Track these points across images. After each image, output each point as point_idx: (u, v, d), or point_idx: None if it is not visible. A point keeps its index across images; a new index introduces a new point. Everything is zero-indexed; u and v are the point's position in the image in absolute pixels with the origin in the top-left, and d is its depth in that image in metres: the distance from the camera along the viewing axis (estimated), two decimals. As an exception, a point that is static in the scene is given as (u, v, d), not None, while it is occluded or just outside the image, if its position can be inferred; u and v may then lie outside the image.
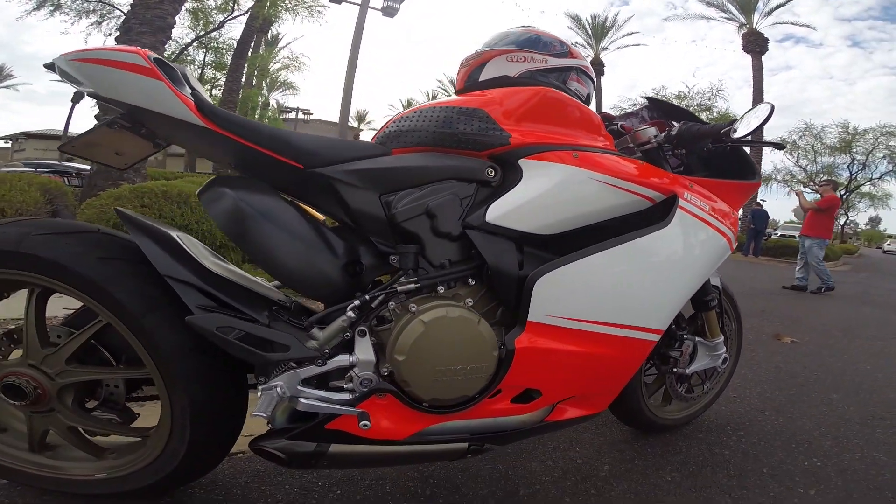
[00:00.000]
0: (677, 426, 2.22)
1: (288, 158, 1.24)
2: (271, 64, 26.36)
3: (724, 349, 2.06)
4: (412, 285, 1.26)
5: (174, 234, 1.26)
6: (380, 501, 1.59)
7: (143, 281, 1.22)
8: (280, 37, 28.14)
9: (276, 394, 1.20)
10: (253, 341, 1.19)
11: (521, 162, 1.30)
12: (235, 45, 19.40)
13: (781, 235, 23.76)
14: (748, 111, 1.57)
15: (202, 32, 19.53)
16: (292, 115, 35.86)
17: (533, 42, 1.68)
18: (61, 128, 36.60)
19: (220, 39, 21.71)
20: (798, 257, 8.82)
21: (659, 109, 1.88)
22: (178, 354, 1.24)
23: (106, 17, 17.68)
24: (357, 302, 1.24)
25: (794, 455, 2.12)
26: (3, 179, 4.37)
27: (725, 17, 24.09)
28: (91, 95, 1.22)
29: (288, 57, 28.12)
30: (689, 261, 1.49)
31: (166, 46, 7.67)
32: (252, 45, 20.11)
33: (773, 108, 1.48)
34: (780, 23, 23.82)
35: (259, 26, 18.87)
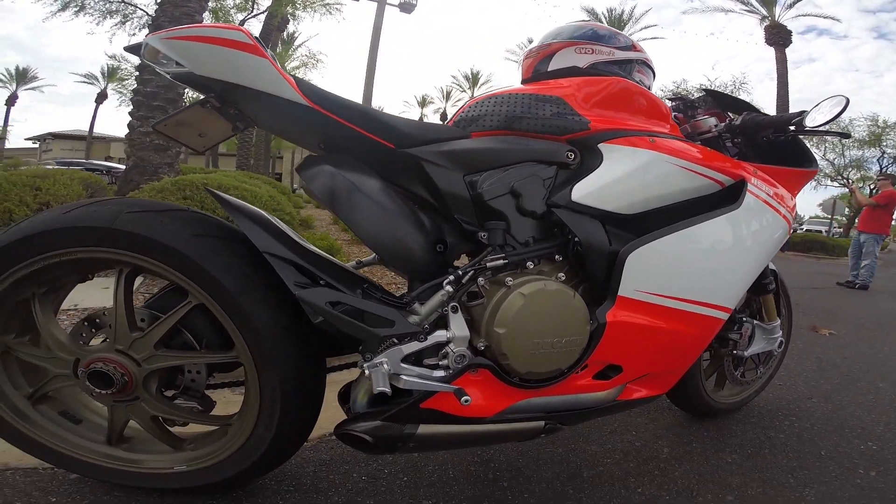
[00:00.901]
0: (730, 411, 2.24)
1: (381, 138, 1.28)
2: (288, 62, 26.47)
3: (781, 333, 2.07)
4: (501, 261, 1.29)
5: (265, 214, 1.30)
6: (445, 486, 1.61)
7: (238, 259, 1.22)
8: (296, 35, 28.12)
9: (384, 370, 1.20)
10: (359, 316, 1.20)
11: (601, 146, 1.36)
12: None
13: (807, 230, 23.40)
14: (820, 102, 1.59)
15: None
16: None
17: (598, 35, 1.71)
18: (86, 128, 37.06)
19: None
20: (850, 253, 8.61)
21: (717, 101, 1.92)
22: (272, 335, 1.24)
23: (129, 18, 17.89)
24: (451, 277, 1.28)
25: (848, 439, 2.12)
26: (47, 174, 4.47)
27: (746, 10, 23.66)
28: (181, 78, 1.23)
29: (305, 55, 28.24)
30: (757, 242, 1.53)
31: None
32: (269, 43, 20.26)
33: (848, 101, 1.50)
34: (802, 15, 23.42)
35: (277, 25, 18.96)
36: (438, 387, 1.25)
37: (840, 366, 3.28)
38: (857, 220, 8.56)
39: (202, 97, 1.29)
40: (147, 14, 16.49)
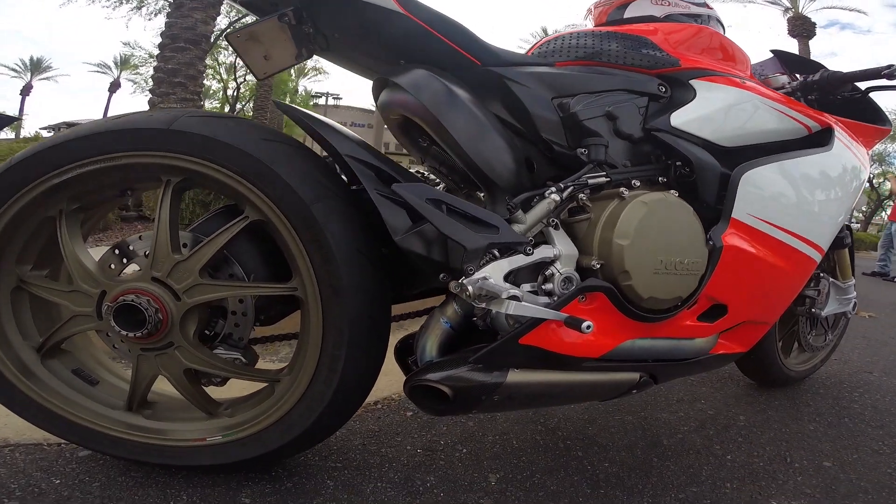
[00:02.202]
0: (796, 381, 2.11)
1: (469, 53, 1.23)
2: None
3: (854, 293, 1.95)
4: (602, 179, 1.22)
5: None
6: (511, 457, 1.44)
7: (311, 165, 1.09)
8: None
9: (488, 285, 1.02)
10: (461, 218, 1.07)
11: (693, 82, 1.38)
12: None
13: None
14: None
15: (236, 18, 19.73)
16: (322, 100, 35.38)
17: None
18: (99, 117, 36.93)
19: None
20: (880, 244, 8.51)
21: (782, 60, 1.92)
22: (345, 256, 1.06)
23: (144, 3, 17.89)
24: (553, 188, 1.19)
25: (927, 409, 1.98)
26: None
27: (768, 1, 23.73)
28: None
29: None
30: (844, 187, 1.54)
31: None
32: None
33: None
34: (827, 7, 23.56)
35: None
36: (549, 314, 1.05)
37: (889, 343, 3.17)
38: (889, 211, 8.57)
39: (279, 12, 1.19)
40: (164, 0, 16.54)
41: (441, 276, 1.07)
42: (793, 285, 1.49)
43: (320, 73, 32.64)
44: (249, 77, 23.99)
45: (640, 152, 1.34)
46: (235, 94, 25.88)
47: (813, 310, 1.83)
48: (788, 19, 22.84)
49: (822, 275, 1.85)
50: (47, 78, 45.27)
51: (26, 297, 1.22)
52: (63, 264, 1.24)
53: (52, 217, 1.15)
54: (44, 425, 1.21)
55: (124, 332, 1.09)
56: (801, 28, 22.30)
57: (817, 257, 1.46)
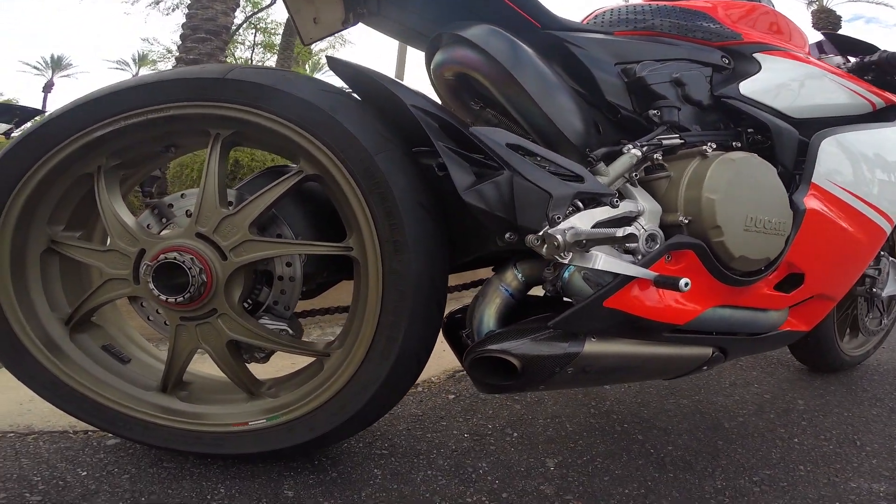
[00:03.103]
0: (851, 366, 2.04)
1: (528, 14, 1.22)
2: (315, 44, 26.42)
3: None
4: (677, 140, 1.20)
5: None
6: (567, 441, 1.36)
7: (370, 116, 1.04)
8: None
9: (591, 233, 0.95)
10: (543, 165, 1.02)
11: (757, 55, 1.38)
12: (284, 24, 19.55)
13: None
14: None
15: (252, 12, 19.86)
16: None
17: None
18: None
19: (268, 20, 22.11)
20: None
21: (834, 42, 1.91)
22: (408, 209, 0.99)
23: None
24: (630, 144, 1.16)
25: None
26: None
27: None
28: None
29: (334, 35, 28.14)
30: None
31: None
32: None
33: None
34: (852, 0, 23.30)
35: None
36: (641, 272, 0.98)
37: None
38: None
39: None
40: None
41: (507, 234, 0.99)
42: (864, 257, 1.47)
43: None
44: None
45: (708, 118, 1.34)
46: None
47: (873, 289, 1.76)
48: (813, 12, 22.59)
49: (882, 254, 1.78)
50: (68, 75, 46.07)
51: (56, 262, 1.15)
52: (97, 227, 1.19)
53: (89, 174, 1.09)
54: (70, 408, 1.13)
55: (163, 297, 1.01)
56: (826, 21, 22.05)
57: (888, 228, 1.45)
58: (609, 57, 1.27)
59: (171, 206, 1.11)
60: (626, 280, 0.98)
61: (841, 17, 22.00)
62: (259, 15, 20.95)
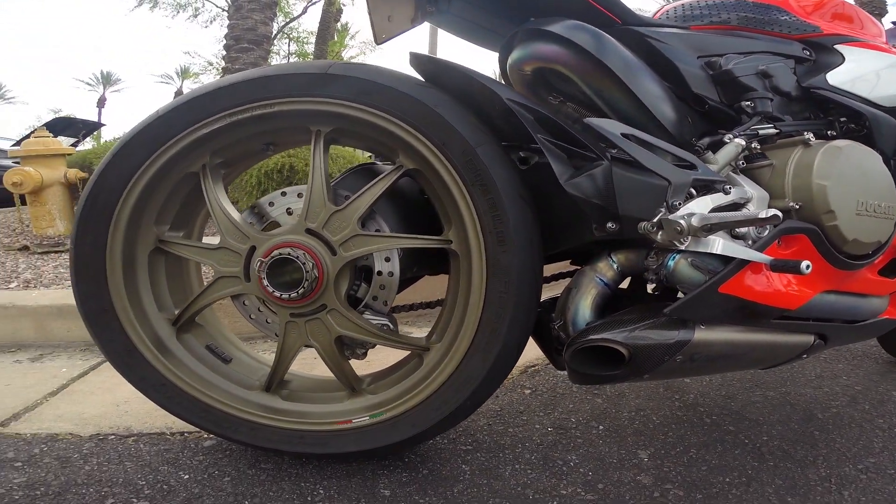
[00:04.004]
0: None
1: (609, 11, 1.24)
2: (345, 50, 26.84)
3: None
4: (772, 130, 1.21)
5: None
6: (657, 433, 1.35)
7: (467, 110, 1.04)
8: (348, 25, 28.54)
9: (699, 220, 0.96)
10: (657, 153, 1.03)
11: (839, 47, 1.38)
12: (317, 31, 19.92)
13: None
14: None
15: (284, 23, 20.38)
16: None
17: None
18: None
19: (300, 29, 22.74)
20: None
21: None
22: (511, 200, 1.00)
23: (199, 11, 18.77)
24: (731, 134, 1.17)
25: None
26: None
27: None
28: None
29: (363, 42, 28.66)
30: None
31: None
32: (329, 34, 20.73)
33: None
34: None
35: (335, 13, 19.35)
36: (758, 256, 0.98)
37: None
38: None
39: None
40: (216, 6, 17.25)
41: (609, 224, 0.99)
42: None
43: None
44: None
45: (797, 108, 1.34)
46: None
47: None
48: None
49: None
50: (118, 90, 48.41)
51: (162, 262, 1.19)
52: (196, 226, 1.23)
53: (193, 173, 1.12)
54: (178, 410, 1.16)
55: (277, 293, 1.03)
56: (870, 6, 21.49)
57: None
58: (690, 51, 1.27)
59: (271, 203, 1.14)
60: (741, 265, 0.98)
61: (886, 1, 21.32)
62: (291, 25, 21.52)
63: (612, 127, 1.02)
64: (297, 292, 1.03)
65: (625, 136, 1.00)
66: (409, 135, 1.02)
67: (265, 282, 1.03)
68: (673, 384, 1.61)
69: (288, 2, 19.56)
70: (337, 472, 1.16)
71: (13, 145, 9.08)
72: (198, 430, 1.31)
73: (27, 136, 8.36)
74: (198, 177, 1.12)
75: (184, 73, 40.57)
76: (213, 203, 1.09)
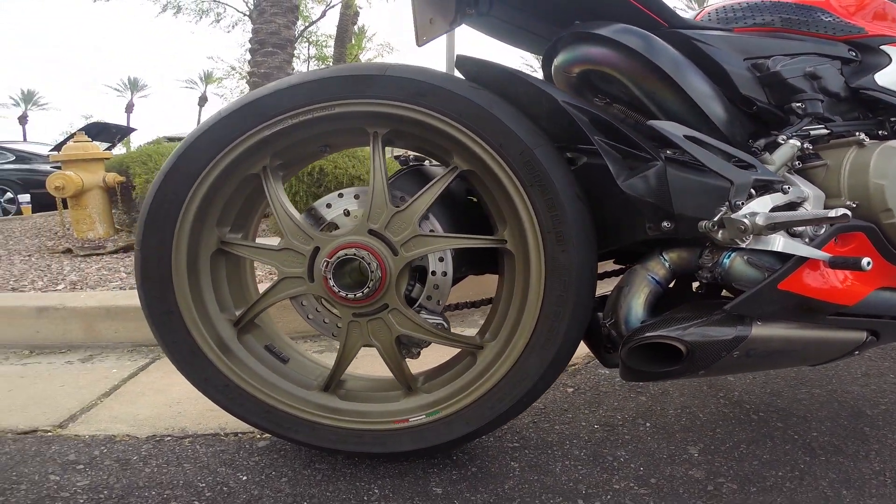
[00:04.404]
0: None
1: (655, 14, 1.24)
2: (362, 53, 26.99)
3: None
4: (823, 130, 1.21)
5: None
6: (704, 429, 1.36)
7: (520, 112, 1.06)
8: (365, 28, 28.68)
9: (761, 220, 0.97)
10: (718, 155, 1.05)
11: (885, 48, 1.37)
12: (336, 34, 19.92)
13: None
14: None
15: (304, 27, 20.61)
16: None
17: None
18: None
19: (318, 33, 22.99)
20: None
21: None
22: (569, 200, 1.02)
23: (221, 16, 19.08)
24: (783, 135, 1.18)
25: None
26: None
27: None
28: None
29: (381, 44, 28.80)
30: None
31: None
32: (347, 36, 20.86)
33: None
34: None
35: (352, 16, 19.48)
36: (818, 253, 0.99)
37: None
38: None
39: None
40: (238, 11, 17.56)
41: (664, 223, 1.01)
42: None
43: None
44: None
45: (845, 109, 1.33)
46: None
47: None
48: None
49: None
50: (144, 96, 50.36)
51: (223, 263, 1.21)
52: (251, 228, 1.26)
53: (253, 175, 1.14)
54: (240, 411, 1.17)
55: (343, 293, 1.06)
56: None
57: None
58: (736, 53, 1.28)
59: (329, 205, 1.17)
60: (799, 263, 0.99)
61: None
62: (310, 29, 21.73)
63: (674, 129, 1.04)
64: (363, 292, 1.06)
65: (687, 137, 1.02)
66: (465, 136, 1.04)
67: (331, 282, 1.06)
68: (717, 382, 1.62)
69: (306, 6, 19.72)
70: (389, 471, 1.18)
71: (51, 150, 9.35)
72: (251, 430, 1.35)
73: (64, 142, 8.61)
74: (256, 179, 1.14)
75: (207, 78, 41.47)
76: (276, 205, 1.11)
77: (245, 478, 1.17)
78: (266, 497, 1.10)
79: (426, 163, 1.33)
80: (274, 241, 1.17)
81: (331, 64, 20.74)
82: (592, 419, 1.42)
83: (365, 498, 1.09)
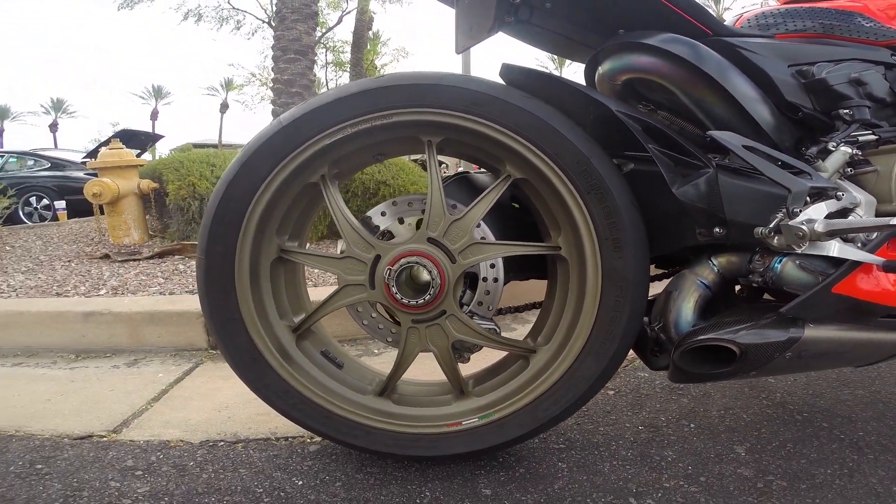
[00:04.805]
0: None
1: (699, 22, 1.24)
2: (378, 58, 27.12)
3: None
4: (871, 136, 1.21)
5: None
6: (749, 429, 1.38)
7: (573, 122, 1.09)
8: (380, 33, 28.71)
9: (819, 228, 1.00)
10: (774, 163, 1.07)
11: None
12: (352, 40, 20.07)
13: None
14: None
15: (321, 33, 20.83)
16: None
17: None
18: (215, 138, 40.32)
19: (335, 39, 23.17)
20: None
21: None
22: (626, 207, 1.06)
23: (241, 24, 19.46)
24: (833, 142, 1.19)
25: None
26: (217, 154, 4.71)
27: None
28: None
29: (396, 49, 28.91)
30: None
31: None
32: (363, 42, 20.90)
33: None
34: None
35: (367, 21, 19.57)
36: (871, 258, 1.02)
37: None
38: None
39: None
40: (257, 18, 17.78)
41: (716, 229, 1.04)
42: None
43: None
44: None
45: (890, 114, 1.33)
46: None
47: None
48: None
49: None
50: (168, 103, 51.55)
51: (281, 272, 1.23)
52: (304, 236, 1.28)
53: (311, 184, 1.16)
54: (299, 416, 1.19)
55: (405, 300, 1.09)
56: None
57: None
58: (780, 60, 1.28)
59: (383, 213, 1.20)
60: (853, 267, 1.01)
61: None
62: (327, 35, 21.96)
63: (734, 139, 1.07)
64: (424, 299, 1.09)
65: (746, 147, 1.05)
66: (520, 145, 1.07)
67: (393, 289, 1.09)
68: (758, 384, 1.64)
69: (322, 12, 19.90)
70: (438, 473, 1.21)
71: (84, 157, 9.55)
72: (301, 434, 1.38)
73: (97, 149, 8.79)
74: (314, 188, 1.17)
75: (228, 85, 42.15)
76: (338, 214, 1.13)
77: (300, 482, 1.19)
78: (323, 502, 1.12)
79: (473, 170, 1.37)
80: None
81: (348, 70, 20.87)
82: (636, 420, 1.45)
83: (417, 501, 1.12)
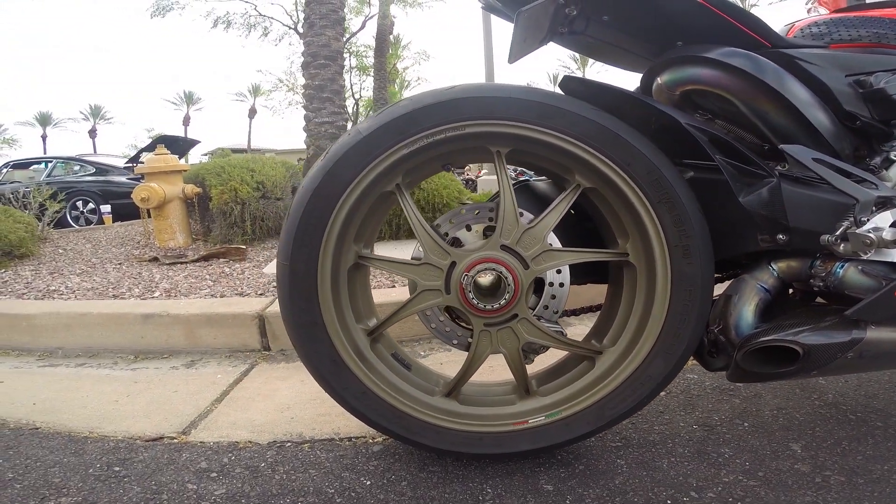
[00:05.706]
0: None
1: (758, 34, 1.26)
2: (399, 62, 27.30)
3: None
4: None
5: None
6: (803, 428, 1.42)
7: (639, 133, 1.13)
8: (400, 37, 28.79)
9: (888, 238, 1.04)
10: (842, 174, 1.10)
11: None
12: (375, 45, 20.10)
13: None
14: None
15: (346, 39, 21.14)
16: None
17: None
18: (243, 143, 41.16)
19: (358, 44, 23.30)
20: None
21: None
22: (695, 218, 1.11)
23: (268, 30, 19.73)
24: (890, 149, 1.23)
25: None
26: (257, 159, 4.93)
27: None
28: None
29: (417, 52, 29.08)
30: None
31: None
32: (386, 47, 21.00)
33: None
34: None
35: (389, 25, 19.68)
36: None
37: None
38: None
39: None
40: (284, 25, 18.09)
41: (779, 236, 1.09)
42: None
43: (421, 81, 33.39)
44: (367, 94, 25.54)
45: None
46: (355, 108, 27.55)
47: None
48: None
49: None
50: (199, 109, 52.89)
51: (356, 277, 1.28)
52: (372, 242, 1.33)
53: (386, 192, 1.20)
54: (373, 417, 1.22)
55: (481, 305, 1.15)
56: None
57: None
58: (838, 70, 1.29)
59: (452, 221, 1.26)
60: None
61: None
62: (351, 40, 22.20)
63: (803, 153, 1.11)
64: (499, 303, 1.15)
65: (815, 160, 1.09)
66: (591, 156, 1.12)
67: (470, 294, 1.15)
68: (809, 385, 1.67)
69: (346, 18, 20.20)
70: (498, 471, 1.25)
71: (127, 162, 9.80)
72: (363, 434, 1.44)
73: (139, 154, 9.00)
74: (389, 196, 1.21)
75: (255, 91, 42.94)
76: (415, 221, 1.18)
77: (369, 482, 1.22)
78: (392, 501, 1.15)
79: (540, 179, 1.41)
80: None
81: (372, 73, 21.03)
82: (690, 420, 1.49)
83: (480, 498, 1.16)
